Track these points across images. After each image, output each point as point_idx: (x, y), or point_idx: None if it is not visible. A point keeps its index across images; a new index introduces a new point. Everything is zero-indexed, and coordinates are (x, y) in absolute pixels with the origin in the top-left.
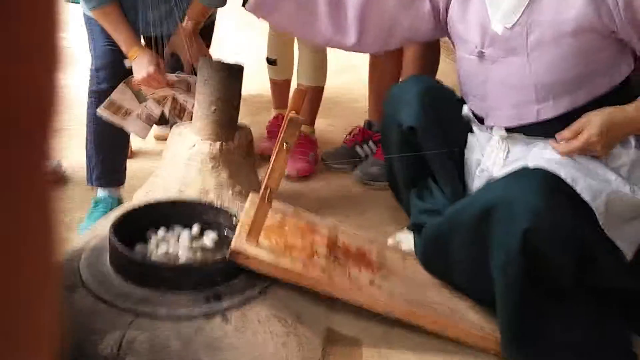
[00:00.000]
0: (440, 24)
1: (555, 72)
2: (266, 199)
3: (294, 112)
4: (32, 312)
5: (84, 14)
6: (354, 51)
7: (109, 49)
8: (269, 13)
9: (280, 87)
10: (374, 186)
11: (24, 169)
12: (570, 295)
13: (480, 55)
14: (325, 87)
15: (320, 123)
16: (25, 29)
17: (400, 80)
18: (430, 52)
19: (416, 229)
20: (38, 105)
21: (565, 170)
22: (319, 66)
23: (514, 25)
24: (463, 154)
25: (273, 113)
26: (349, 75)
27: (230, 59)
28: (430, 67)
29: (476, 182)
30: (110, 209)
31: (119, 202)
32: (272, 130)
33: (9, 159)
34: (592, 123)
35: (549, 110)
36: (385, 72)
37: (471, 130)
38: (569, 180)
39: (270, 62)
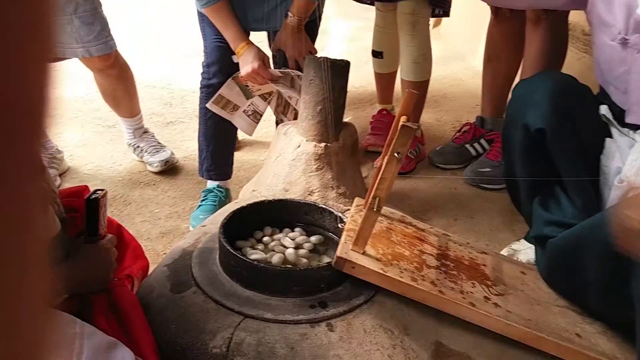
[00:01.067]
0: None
1: None
2: (374, 208)
3: (405, 117)
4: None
5: (198, 12)
6: None
7: (219, 45)
8: None
9: (385, 80)
10: (485, 189)
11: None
12: None
13: (624, 42)
14: (432, 77)
15: (426, 117)
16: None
17: (518, 76)
18: (558, 46)
19: (539, 241)
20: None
21: None
22: (423, 60)
23: None
24: (599, 161)
25: (377, 107)
26: (457, 65)
27: (334, 50)
28: (556, 64)
29: (614, 193)
30: (219, 200)
31: (227, 193)
32: (376, 126)
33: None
34: None
35: None
36: (501, 65)
37: (609, 135)
38: None
39: (376, 55)
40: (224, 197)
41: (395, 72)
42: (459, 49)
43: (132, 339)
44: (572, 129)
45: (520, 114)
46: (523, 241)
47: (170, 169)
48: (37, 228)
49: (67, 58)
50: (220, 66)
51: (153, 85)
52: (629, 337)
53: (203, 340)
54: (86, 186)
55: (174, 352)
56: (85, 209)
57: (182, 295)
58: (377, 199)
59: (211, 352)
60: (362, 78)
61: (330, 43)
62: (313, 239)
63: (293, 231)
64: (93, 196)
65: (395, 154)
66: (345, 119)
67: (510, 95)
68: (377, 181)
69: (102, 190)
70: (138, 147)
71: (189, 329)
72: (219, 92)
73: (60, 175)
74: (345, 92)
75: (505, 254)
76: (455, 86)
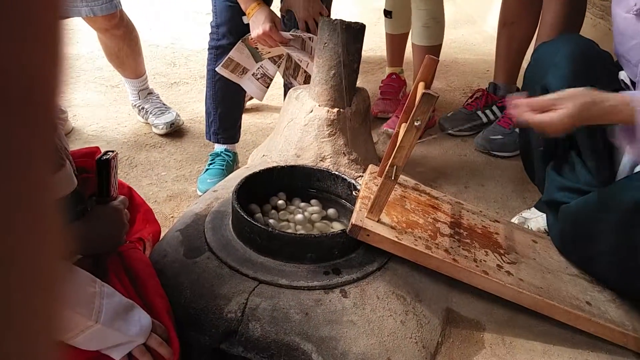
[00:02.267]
0: None
1: None
2: (392, 177)
3: (423, 84)
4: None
5: None
6: None
7: (229, 5)
8: None
9: (395, 42)
10: (496, 156)
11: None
12: None
13: (638, 13)
14: (443, 41)
15: (436, 82)
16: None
17: (533, 42)
18: (574, 14)
19: (551, 206)
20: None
21: None
22: (435, 23)
23: None
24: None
25: (387, 71)
26: (468, 29)
27: (343, 11)
28: (573, 30)
29: (628, 159)
30: (227, 164)
31: (235, 157)
32: (386, 90)
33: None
34: (572, 106)
35: None
36: (517, 30)
37: None
38: None
39: (387, 14)
40: (232, 161)
41: (407, 34)
42: (470, 13)
43: (147, 301)
44: None
45: (540, 75)
46: (534, 209)
47: (175, 131)
48: (48, 182)
49: (71, 17)
50: (229, 27)
51: (157, 45)
52: (638, 305)
53: (218, 305)
54: (97, 147)
55: (188, 316)
56: (96, 170)
57: (196, 260)
58: (395, 167)
59: (226, 316)
60: (371, 41)
61: (341, 4)
62: (329, 212)
63: (308, 202)
64: (104, 157)
65: (415, 123)
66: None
67: (529, 60)
68: (395, 149)
69: (112, 151)
70: (143, 108)
71: (204, 293)
72: (228, 55)
73: (65, 135)
74: (360, 56)
75: (516, 222)
76: (466, 51)
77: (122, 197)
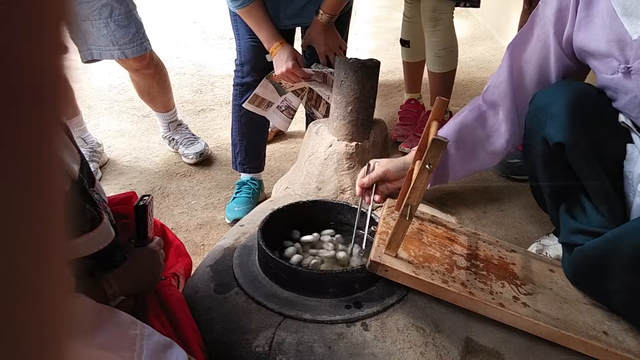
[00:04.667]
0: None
1: None
2: (407, 217)
3: (436, 124)
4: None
5: (230, 12)
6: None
7: (252, 45)
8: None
9: (413, 69)
10: (514, 180)
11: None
12: None
13: (627, 71)
14: (460, 58)
15: (454, 102)
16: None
17: None
18: None
19: (566, 247)
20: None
21: None
22: (446, 53)
23: None
24: (622, 167)
25: (405, 97)
26: (486, 45)
27: (362, 31)
28: None
29: (638, 199)
30: (253, 192)
31: (260, 185)
32: (405, 116)
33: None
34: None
35: None
36: None
37: (631, 140)
38: None
39: (404, 43)
40: (257, 189)
41: (423, 61)
42: (489, 28)
43: (182, 337)
44: (591, 140)
45: (539, 126)
46: (552, 236)
47: (204, 160)
48: (55, 178)
49: (103, 59)
50: (253, 65)
51: (183, 73)
52: None
53: (247, 339)
54: (133, 192)
55: (219, 350)
56: (134, 215)
57: (226, 296)
58: (410, 206)
59: (255, 350)
60: (390, 62)
61: (357, 24)
62: (349, 245)
63: (330, 236)
64: (141, 203)
65: (427, 166)
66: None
67: (528, 109)
68: (409, 190)
69: (148, 195)
70: (173, 139)
71: (234, 328)
72: (254, 92)
73: (100, 167)
74: (376, 90)
75: (535, 249)
76: (484, 69)
77: (157, 238)
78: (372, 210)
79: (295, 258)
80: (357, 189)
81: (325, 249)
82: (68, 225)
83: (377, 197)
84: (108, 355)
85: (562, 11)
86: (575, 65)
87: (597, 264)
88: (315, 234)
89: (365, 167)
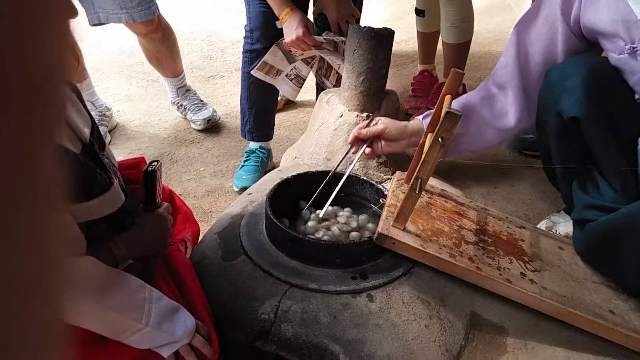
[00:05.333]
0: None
1: None
2: (417, 190)
3: (449, 97)
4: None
5: None
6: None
7: (262, 10)
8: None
9: (427, 39)
10: (526, 155)
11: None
12: None
13: (632, 51)
14: (476, 30)
15: (468, 75)
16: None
17: None
18: None
19: (579, 223)
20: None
21: None
22: (461, 22)
23: None
24: (636, 144)
25: (419, 68)
26: (503, 16)
27: (377, 15)
28: None
29: None
30: (261, 161)
31: (269, 153)
32: (418, 87)
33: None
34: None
35: None
36: None
37: None
38: None
39: (418, 13)
40: (266, 158)
41: (438, 31)
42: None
43: (189, 301)
44: (606, 116)
45: (554, 100)
46: (563, 213)
47: (213, 127)
48: (54, 171)
49: (111, 23)
50: (263, 31)
51: (194, 37)
52: None
53: (253, 306)
54: (142, 158)
55: (226, 316)
56: (143, 180)
57: (233, 263)
58: (420, 180)
59: (260, 317)
60: (404, 31)
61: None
62: (361, 217)
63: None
64: (150, 168)
65: (439, 139)
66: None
67: (542, 83)
68: (420, 163)
69: (157, 161)
70: (181, 105)
71: (240, 295)
72: (263, 59)
73: (109, 131)
74: (389, 61)
75: (544, 225)
76: (501, 41)
77: (166, 204)
78: (352, 166)
79: (311, 225)
80: (351, 136)
81: (338, 224)
82: (64, 215)
83: (367, 151)
84: (117, 316)
85: None
86: (585, 45)
87: (611, 238)
88: (329, 209)
89: (367, 120)
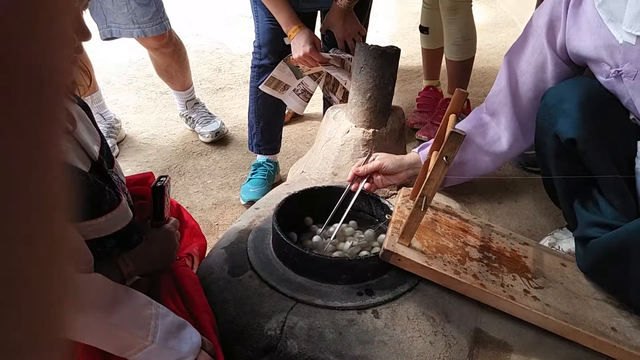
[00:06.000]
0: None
1: None
2: (422, 207)
3: (454, 117)
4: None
5: None
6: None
7: (271, 27)
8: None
9: (432, 56)
10: (530, 171)
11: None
12: None
13: (618, 74)
14: (479, 46)
15: (472, 91)
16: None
17: None
18: None
19: (581, 241)
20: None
21: None
22: (463, 41)
23: None
24: (633, 163)
25: (424, 83)
26: (507, 32)
27: (382, 13)
28: None
29: None
30: (268, 174)
31: (276, 166)
32: (423, 103)
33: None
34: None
35: None
36: None
37: None
38: None
39: (423, 30)
40: (273, 171)
41: (442, 48)
42: (509, 14)
43: (195, 317)
44: (602, 137)
45: (551, 123)
46: (565, 229)
47: (220, 139)
48: (57, 161)
49: (123, 37)
50: (271, 48)
51: (202, 50)
52: None
53: (259, 322)
54: (151, 173)
55: (232, 331)
56: (151, 195)
57: (240, 278)
58: (425, 197)
59: (266, 333)
60: (410, 47)
61: (378, 5)
62: (366, 232)
63: (344, 223)
64: (158, 184)
65: (444, 158)
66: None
67: (540, 104)
68: (425, 181)
69: (165, 176)
70: (190, 117)
71: (246, 311)
72: (271, 74)
73: (117, 143)
74: (395, 79)
75: (547, 242)
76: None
77: (173, 219)
78: (353, 200)
79: (315, 240)
80: (350, 174)
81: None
82: (71, 224)
83: (366, 186)
84: (124, 333)
85: (554, 21)
86: (574, 70)
87: (615, 255)
88: (335, 225)
89: (365, 156)
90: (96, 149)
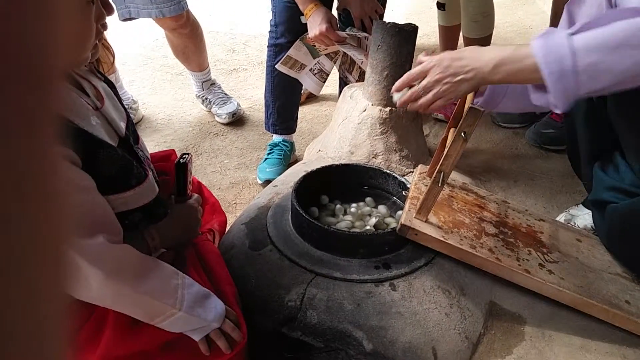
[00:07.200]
0: None
1: None
2: (439, 183)
3: (471, 96)
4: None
5: None
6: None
7: (287, 5)
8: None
9: (448, 33)
10: (547, 149)
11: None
12: None
13: None
14: (497, 23)
15: None
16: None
17: None
18: None
19: (597, 205)
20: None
21: None
22: (482, 17)
23: None
24: None
25: None
26: (526, 9)
27: (399, 9)
28: None
29: None
30: (285, 154)
31: (292, 146)
32: None
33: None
34: (436, 59)
35: None
36: None
37: None
38: None
39: (440, 6)
40: (289, 151)
41: (459, 25)
42: None
43: (218, 289)
44: (632, 96)
45: None
46: (581, 206)
47: (237, 120)
48: (52, 149)
49: (141, 18)
50: (288, 26)
51: (217, 31)
52: None
53: (279, 294)
54: (173, 150)
55: (253, 303)
56: (175, 172)
57: (260, 252)
58: (442, 173)
59: (287, 304)
60: (426, 25)
61: None
62: (381, 209)
63: (363, 200)
64: (182, 161)
65: (462, 134)
66: None
67: None
68: (443, 157)
69: (188, 154)
70: (206, 98)
71: (267, 283)
72: (287, 53)
73: (135, 124)
74: (412, 57)
75: (563, 218)
76: (522, 34)
77: (196, 195)
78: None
79: (344, 225)
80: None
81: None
82: (72, 228)
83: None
84: (152, 301)
85: None
86: None
87: (634, 224)
88: (354, 206)
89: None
90: (123, 125)
